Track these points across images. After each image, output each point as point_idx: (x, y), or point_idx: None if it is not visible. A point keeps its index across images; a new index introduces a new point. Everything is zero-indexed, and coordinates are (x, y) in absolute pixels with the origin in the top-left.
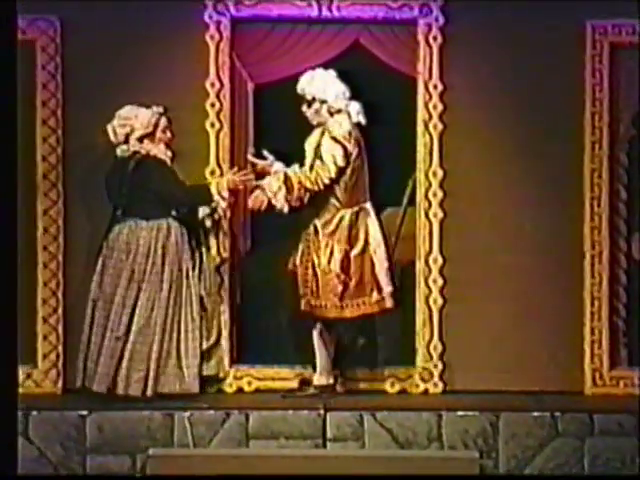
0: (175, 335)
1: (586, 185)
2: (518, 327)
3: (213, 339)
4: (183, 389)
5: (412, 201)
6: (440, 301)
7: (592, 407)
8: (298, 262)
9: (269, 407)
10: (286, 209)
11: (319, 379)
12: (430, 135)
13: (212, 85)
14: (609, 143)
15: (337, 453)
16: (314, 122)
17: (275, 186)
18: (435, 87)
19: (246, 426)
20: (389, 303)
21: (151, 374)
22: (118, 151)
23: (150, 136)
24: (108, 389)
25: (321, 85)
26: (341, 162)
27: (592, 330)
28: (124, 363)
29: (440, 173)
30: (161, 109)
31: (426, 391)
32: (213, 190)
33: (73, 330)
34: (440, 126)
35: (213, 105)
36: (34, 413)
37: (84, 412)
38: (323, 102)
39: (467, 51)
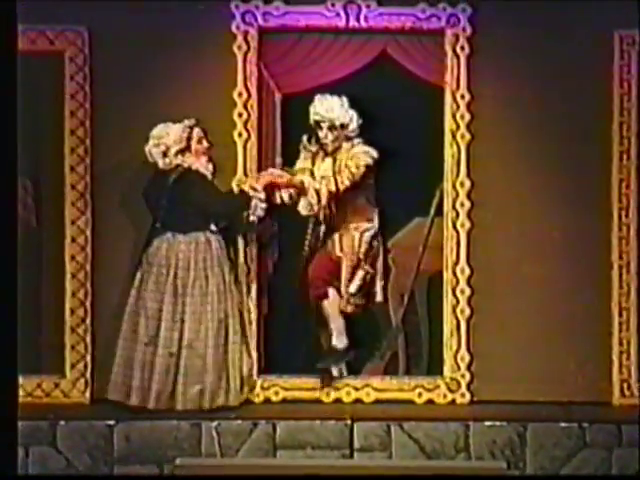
0: (224, 347)
1: (614, 195)
2: (546, 337)
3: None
4: (240, 400)
5: (439, 211)
6: (467, 311)
7: (620, 418)
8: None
9: (296, 417)
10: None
11: (336, 342)
12: (457, 145)
13: (240, 95)
14: (637, 153)
15: (364, 463)
16: (330, 149)
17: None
18: (462, 97)
19: (273, 436)
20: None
21: (208, 388)
22: (160, 164)
23: (186, 150)
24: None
25: (342, 111)
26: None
27: (620, 341)
28: (180, 379)
29: (467, 183)
30: (193, 121)
31: (453, 401)
32: (250, 193)
33: (101, 340)
34: (467, 136)
35: (241, 115)
36: (62, 423)
37: (112, 422)
38: (344, 127)
39: (494, 61)
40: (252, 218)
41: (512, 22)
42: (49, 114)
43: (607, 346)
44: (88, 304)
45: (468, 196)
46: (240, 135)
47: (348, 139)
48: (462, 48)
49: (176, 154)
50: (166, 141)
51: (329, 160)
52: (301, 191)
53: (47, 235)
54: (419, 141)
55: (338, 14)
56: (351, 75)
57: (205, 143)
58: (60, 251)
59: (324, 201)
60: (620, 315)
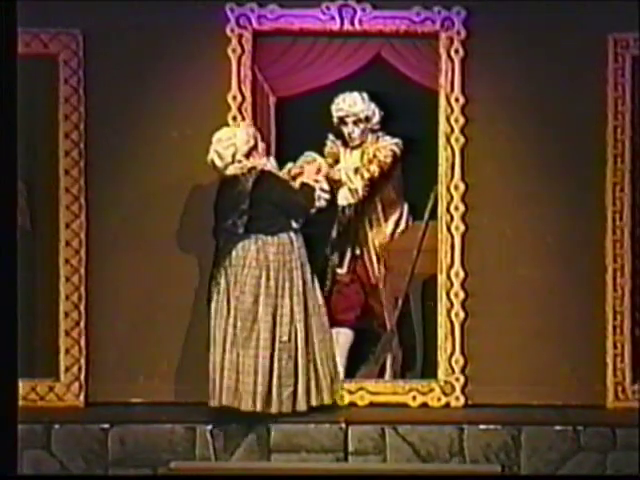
0: (312, 347)
1: (608, 199)
2: (540, 341)
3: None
4: (333, 399)
5: (434, 214)
6: (462, 315)
7: (614, 421)
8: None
9: (291, 420)
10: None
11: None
12: (452, 148)
13: (234, 98)
14: (631, 156)
15: (359, 467)
16: (356, 142)
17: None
18: (457, 100)
19: (268, 440)
20: None
21: (300, 389)
22: (230, 169)
23: (254, 150)
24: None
25: (365, 104)
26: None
27: (614, 344)
28: (274, 380)
29: (462, 187)
30: (250, 125)
31: (448, 405)
32: (313, 184)
33: (95, 343)
34: (462, 139)
35: (235, 119)
36: (56, 426)
37: (106, 425)
38: (368, 120)
39: (489, 64)
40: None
41: (506, 25)
42: (43, 117)
43: (601, 349)
44: (82, 307)
45: (462, 199)
46: None
47: (372, 132)
48: (456, 51)
49: (246, 155)
50: (235, 141)
51: (357, 153)
52: (338, 182)
53: (41, 238)
54: (413, 144)
55: (333, 17)
56: (346, 78)
57: (264, 144)
58: (54, 254)
59: (362, 191)
60: (614, 318)
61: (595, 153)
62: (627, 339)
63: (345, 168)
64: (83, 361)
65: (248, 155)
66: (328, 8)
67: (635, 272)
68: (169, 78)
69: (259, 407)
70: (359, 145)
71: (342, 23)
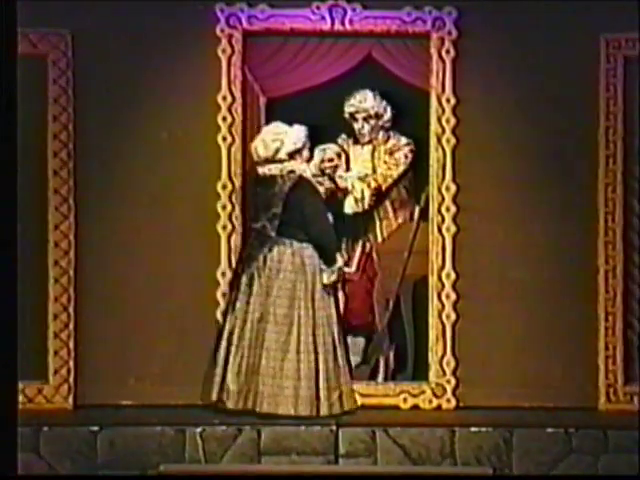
0: (335, 353)
1: (600, 200)
2: (531, 342)
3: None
4: (357, 403)
5: (425, 215)
6: (453, 316)
7: (606, 423)
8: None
9: (281, 423)
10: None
11: None
12: (443, 149)
13: (224, 99)
14: (623, 157)
15: (349, 469)
16: (365, 139)
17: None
18: (448, 101)
19: (258, 442)
20: None
21: (322, 393)
22: (266, 169)
23: (298, 153)
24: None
25: (377, 101)
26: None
27: (606, 345)
28: (321, 383)
29: (453, 187)
30: (304, 127)
31: (439, 407)
32: None
33: (84, 345)
34: (453, 140)
35: (225, 119)
36: (45, 429)
37: (95, 428)
38: (379, 117)
39: (480, 65)
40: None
41: (498, 25)
42: (32, 118)
43: (593, 351)
44: (71, 309)
45: (454, 200)
46: (224, 139)
47: (383, 129)
48: (448, 51)
49: (289, 155)
50: (283, 137)
51: (367, 150)
52: (345, 190)
53: (30, 240)
54: None
55: (323, 17)
56: (336, 78)
57: (309, 152)
58: (43, 256)
59: (368, 200)
60: (606, 320)
61: (587, 154)
62: (619, 341)
63: (351, 177)
64: (72, 363)
65: (291, 156)
66: (318, 8)
67: (627, 274)
68: (158, 78)
69: (304, 411)
70: (369, 142)
71: (333, 23)
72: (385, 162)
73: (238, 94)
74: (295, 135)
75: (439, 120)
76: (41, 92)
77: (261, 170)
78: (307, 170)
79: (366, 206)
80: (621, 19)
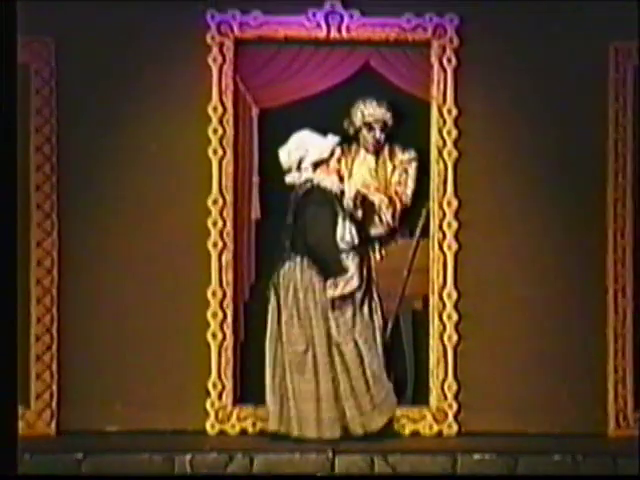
0: (354, 373)
1: (609, 216)
2: (537, 365)
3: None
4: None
5: (425, 232)
6: (455, 338)
7: (616, 450)
8: None
9: (275, 449)
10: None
11: None
12: (444, 162)
13: (215, 110)
14: (633, 171)
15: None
16: (377, 148)
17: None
18: (449, 112)
19: (250, 469)
20: None
21: (348, 414)
22: (289, 178)
23: (324, 164)
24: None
25: (385, 109)
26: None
27: (616, 368)
28: (312, 404)
29: (455, 203)
30: (337, 138)
31: (440, 433)
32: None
33: (68, 368)
34: (455, 153)
35: (216, 131)
36: (26, 456)
37: (80, 455)
38: (386, 126)
39: (483, 74)
40: None
41: (502, 33)
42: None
43: (602, 374)
44: (54, 330)
45: (456, 216)
46: (215, 152)
47: (386, 138)
48: (449, 60)
49: (314, 165)
50: (308, 147)
51: (370, 159)
52: (371, 212)
53: None
54: None
55: (319, 24)
56: (332, 88)
57: (343, 164)
58: (25, 275)
59: (392, 222)
60: (615, 341)
61: (595, 168)
62: (629, 363)
63: (380, 199)
64: (55, 387)
65: (316, 166)
66: (314, 15)
67: (637, 293)
68: (146, 88)
69: (329, 434)
70: (374, 152)
71: (329, 30)
72: (399, 179)
73: (229, 105)
74: (321, 145)
75: (440, 132)
76: (23, 103)
77: (287, 179)
78: (326, 180)
79: (391, 227)
80: (631, 26)
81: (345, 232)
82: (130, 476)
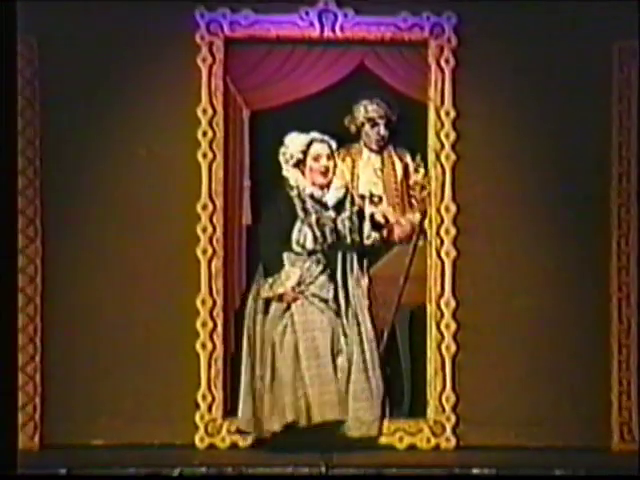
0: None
1: (613, 222)
2: (538, 376)
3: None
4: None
5: (423, 238)
6: (453, 348)
7: (620, 464)
8: None
9: (266, 464)
10: None
11: None
12: (442, 166)
13: (204, 112)
14: (638, 176)
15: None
16: (380, 145)
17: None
18: (447, 114)
19: None
20: None
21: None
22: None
23: (301, 164)
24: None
25: (390, 108)
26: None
27: (620, 380)
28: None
29: (453, 208)
30: (319, 136)
31: (437, 446)
32: None
33: (52, 380)
34: (453, 157)
35: (205, 134)
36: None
37: (63, 470)
38: (391, 123)
39: (482, 75)
40: None
41: (501, 33)
42: None
43: (606, 386)
44: (38, 340)
45: (454, 222)
46: (205, 156)
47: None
48: (447, 60)
49: (293, 166)
50: (290, 150)
51: (375, 158)
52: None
53: None
54: None
55: (312, 23)
56: (326, 90)
57: (323, 162)
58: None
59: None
60: (619, 352)
61: (598, 172)
62: (633, 375)
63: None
64: (38, 399)
65: (295, 166)
66: (307, 13)
67: None
68: (133, 90)
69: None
70: (378, 151)
71: (322, 30)
72: (420, 201)
73: (220, 107)
74: (297, 143)
75: (438, 135)
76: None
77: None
78: (303, 180)
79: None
80: (636, 25)
81: (300, 236)
82: (130, 476)
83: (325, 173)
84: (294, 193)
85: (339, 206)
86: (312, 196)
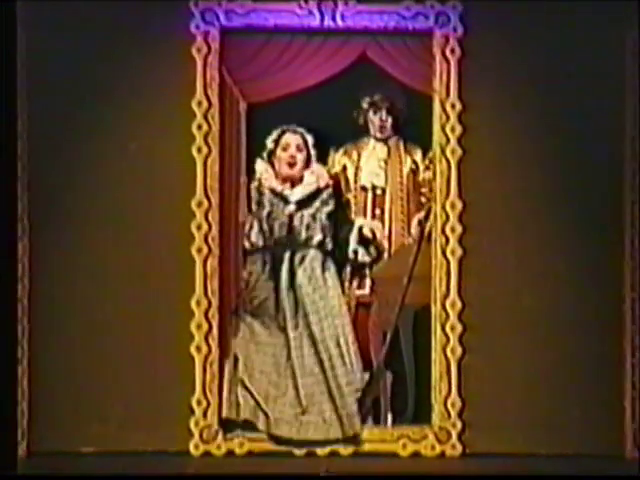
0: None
1: (626, 219)
2: (548, 381)
3: None
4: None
5: (427, 236)
6: (459, 351)
7: (634, 473)
8: None
9: (264, 472)
10: None
11: None
12: (447, 161)
13: (199, 104)
14: None
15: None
16: (385, 134)
17: None
18: (453, 107)
19: None
20: None
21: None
22: None
23: (272, 154)
24: None
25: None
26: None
27: (633, 384)
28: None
29: (459, 205)
30: (297, 128)
31: (443, 454)
32: None
33: (39, 384)
34: (459, 151)
35: (200, 127)
36: None
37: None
38: (398, 112)
39: (490, 66)
40: None
41: (510, 21)
42: None
43: (618, 391)
44: (25, 344)
45: (460, 219)
46: (199, 150)
47: (395, 130)
48: (452, 51)
49: (266, 157)
50: (268, 142)
51: (381, 149)
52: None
53: None
54: None
55: (311, 12)
56: (326, 81)
57: (292, 151)
58: None
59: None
60: (633, 355)
61: (611, 168)
62: None
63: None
64: (25, 405)
65: (268, 156)
66: (306, 2)
67: None
68: (124, 82)
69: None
70: (384, 140)
71: (322, 19)
72: (426, 181)
73: (215, 99)
74: (272, 133)
75: (443, 128)
76: None
77: None
78: (266, 177)
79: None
80: None
81: (248, 230)
82: (130, 476)
83: (292, 164)
84: (254, 185)
85: (304, 202)
86: (272, 189)
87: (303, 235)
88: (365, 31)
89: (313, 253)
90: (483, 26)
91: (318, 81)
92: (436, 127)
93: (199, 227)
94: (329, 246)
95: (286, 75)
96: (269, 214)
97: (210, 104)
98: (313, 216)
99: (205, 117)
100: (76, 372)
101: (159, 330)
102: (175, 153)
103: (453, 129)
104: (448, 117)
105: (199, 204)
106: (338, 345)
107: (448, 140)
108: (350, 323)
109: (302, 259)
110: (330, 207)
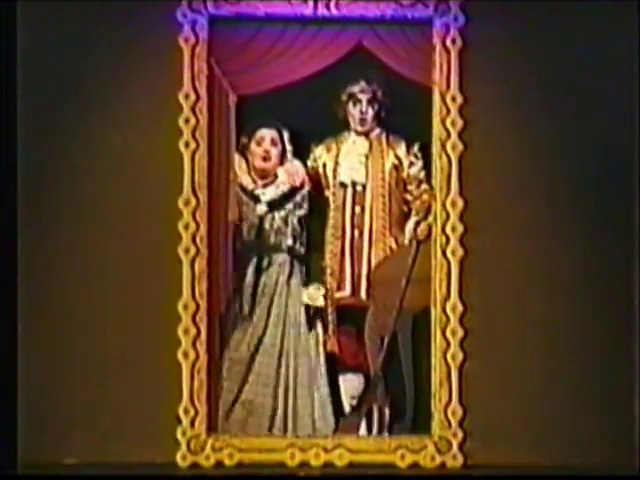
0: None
1: (636, 218)
2: (554, 388)
3: None
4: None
5: (427, 236)
6: (460, 356)
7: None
8: None
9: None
10: None
11: None
12: (448, 157)
13: (186, 97)
14: None
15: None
16: (366, 127)
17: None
18: (454, 99)
19: None
20: None
21: None
22: None
23: (246, 149)
24: None
25: (378, 85)
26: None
27: None
28: None
29: (460, 203)
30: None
31: (443, 465)
32: None
33: (21, 392)
34: (460, 146)
35: (188, 121)
36: None
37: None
38: (380, 103)
39: (492, 57)
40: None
41: (514, 10)
42: None
43: (629, 399)
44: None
45: (460, 218)
46: (187, 145)
47: (378, 121)
48: (453, 41)
49: (240, 152)
50: (242, 136)
51: (362, 143)
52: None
53: None
54: None
55: (305, 0)
56: (321, 73)
57: (266, 145)
58: None
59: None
60: None
61: (622, 164)
62: None
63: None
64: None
65: (242, 152)
66: None
67: None
68: (108, 73)
69: None
70: (366, 134)
71: (316, 6)
72: (412, 178)
73: (203, 91)
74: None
75: (443, 122)
76: None
77: None
78: (242, 163)
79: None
80: None
81: None
82: (130, 475)
83: (266, 158)
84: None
85: (275, 202)
86: (241, 186)
87: (272, 239)
88: (361, 20)
89: (281, 259)
90: (485, 15)
91: (312, 72)
92: (436, 121)
93: (186, 226)
94: (301, 251)
95: (278, 66)
96: (239, 214)
97: (198, 97)
98: (285, 219)
99: (193, 110)
100: (59, 380)
101: (145, 335)
102: (161, 148)
103: (454, 123)
104: (449, 110)
105: (186, 202)
106: (296, 355)
107: (449, 134)
108: (308, 332)
109: (269, 264)
110: (303, 211)
